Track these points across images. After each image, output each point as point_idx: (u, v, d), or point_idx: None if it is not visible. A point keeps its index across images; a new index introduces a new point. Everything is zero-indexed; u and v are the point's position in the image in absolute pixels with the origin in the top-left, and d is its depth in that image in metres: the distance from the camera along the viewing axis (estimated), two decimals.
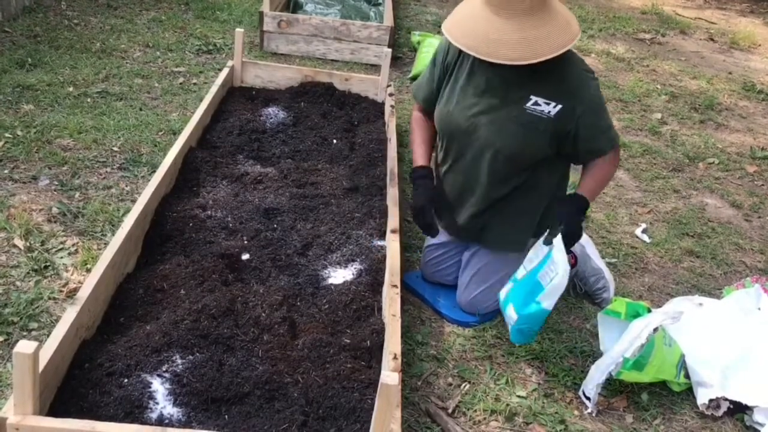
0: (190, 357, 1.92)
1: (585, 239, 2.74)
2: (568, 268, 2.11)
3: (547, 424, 2.11)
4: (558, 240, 2.16)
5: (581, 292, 2.71)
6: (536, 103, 2.21)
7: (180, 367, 1.88)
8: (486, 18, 2.09)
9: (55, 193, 2.88)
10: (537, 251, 2.25)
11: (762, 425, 2.15)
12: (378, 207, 2.76)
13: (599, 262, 2.69)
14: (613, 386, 2.30)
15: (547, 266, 2.16)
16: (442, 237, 2.56)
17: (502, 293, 2.31)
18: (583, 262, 2.68)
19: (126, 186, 3.00)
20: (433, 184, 2.49)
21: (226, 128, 3.25)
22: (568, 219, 2.23)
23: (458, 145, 2.39)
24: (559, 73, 2.20)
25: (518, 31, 2.06)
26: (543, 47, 2.05)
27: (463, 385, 2.21)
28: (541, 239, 2.25)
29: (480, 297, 2.45)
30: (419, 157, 2.51)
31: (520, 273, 2.28)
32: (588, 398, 2.18)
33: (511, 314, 2.23)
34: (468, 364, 2.30)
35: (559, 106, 2.20)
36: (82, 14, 4.97)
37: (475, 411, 2.12)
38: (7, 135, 3.21)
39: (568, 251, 2.17)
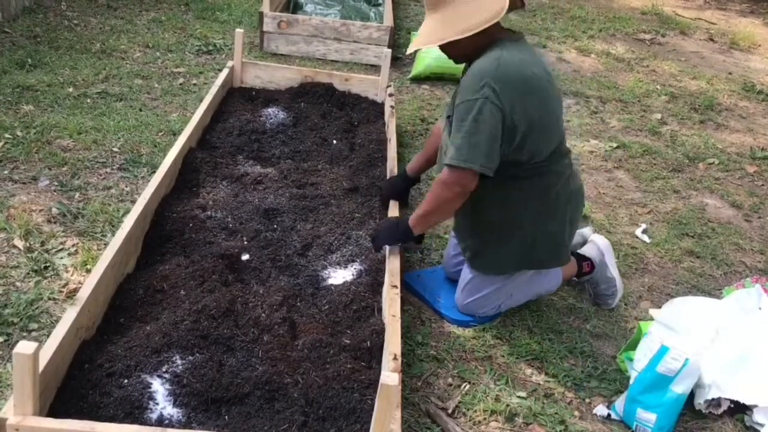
0: (190, 357, 1.92)
1: (605, 246, 2.69)
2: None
3: (547, 425, 2.11)
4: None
5: (590, 297, 2.70)
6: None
7: (180, 367, 1.88)
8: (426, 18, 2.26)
9: (55, 193, 2.88)
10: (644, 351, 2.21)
11: (762, 425, 2.15)
12: (378, 207, 2.76)
13: (614, 271, 2.66)
14: (613, 386, 2.30)
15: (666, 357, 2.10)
16: None
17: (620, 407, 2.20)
18: (601, 270, 2.64)
19: (126, 186, 3.00)
20: (399, 183, 2.76)
21: (226, 129, 3.25)
22: (379, 229, 2.43)
23: None
24: (470, 72, 2.17)
25: (427, 25, 2.20)
26: (431, 37, 2.17)
27: (463, 385, 2.21)
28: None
29: (474, 304, 2.45)
30: (409, 164, 2.76)
31: (633, 376, 2.21)
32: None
33: (646, 417, 2.12)
34: (468, 365, 2.30)
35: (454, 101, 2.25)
36: (82, 15, 4.98)
37: (475, 411, 2.12)
38: (7, 135, 3.21)
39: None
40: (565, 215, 2.36)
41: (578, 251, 2.70)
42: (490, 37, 2.16)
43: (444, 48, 2.25)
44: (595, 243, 2.72)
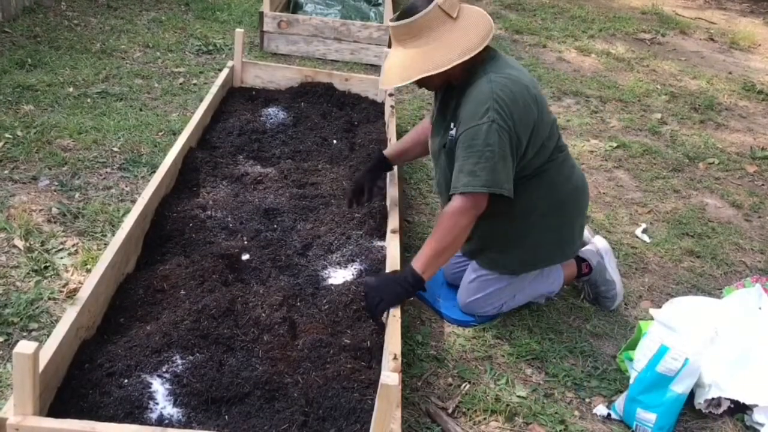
0: (190, 357, 1.92)
1: (605, 248, 2.70)
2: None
3: (547, 424, 2.11)
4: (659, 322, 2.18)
5: (589, 298, 2.70)
6: (452, 128, 2.21)
7: (180, 367, 1.88)
8: (393, 50, 2.20)
9: (55, 193, 2.88)
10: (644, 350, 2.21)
11: (762, 425, 2.15)
12: (378, 207, 2.76)
13: (614, 274, 2.65)
14: (613, 386, 2.30)
15: (666, 356, 2.10)
16: None
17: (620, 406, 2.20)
18: (599, 272, 2.64)
19: (126, 186, 3.00)
20: (379, 167, 2.69)
21: (226, 128, 3.25)
22: (375, 284, 2.13)
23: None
24: (467, 101, 2.14)
25: (402, 55, 2.13)
26: (405, 72, 2.11)
27: (463, 385, 2.21)
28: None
29: (477, 303, 2.45)
30: (388, 148, 2.72)
31: (633, 375, 2.20)
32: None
33: (646, 417, 2.12)
34: (468, 364, 2.30)
35: (456, 131, 2.19)
36: (82, 15, 4.97)
37: (475, 411, 2.12)
38: (7, 135, 3.21)
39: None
40: (572, 209, 2.40)
41: (578, 252, 2.70)
42: (473, 60, 2.13)
43: (425, 79, 2.14)
44: (594, 245, 2.73)
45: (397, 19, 2.14)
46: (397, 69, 2.14)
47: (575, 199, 2.41)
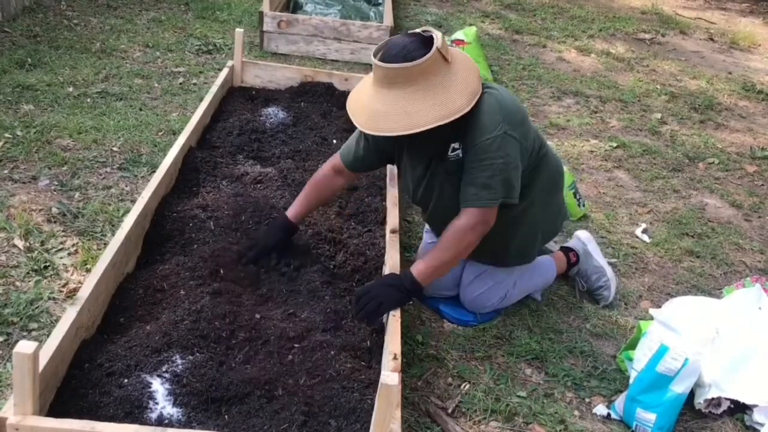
0: (190, 357, 1.92)
1: (587, 237, 2.77)
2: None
3: (547, 424, 2.11)
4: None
5: (583, 290, 2.71)
6: (453, 149, 2.16)
7: (180, 367, 1.88)
8: (375, 92, 2.06)
9: (55, 193, 2.88)
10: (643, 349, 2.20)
11: (762, 425, 2.15)
12: (378, 207, 2.76)
13: (601, 260, 2.70)
14: (613, 386, 2.30)
15: (666, 356, 2.10)
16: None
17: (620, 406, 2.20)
18: (585, 260, 2.69)
19: (126, 186, 3.00)
20: (279, 233, 2.39)
21: (226, 128, 3.25)
22: (372, 289, 2.09)
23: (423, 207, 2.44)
24: (471, 120, 2.09)
25: (401, 100, 2.00)
26: (419, 120, 1.98)
27: (463, 385, 2.21)
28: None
29: (483, 296, 2.45)
30: (290, 209, 2.42)
31: (633, 375, 2.20)
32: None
33: (646, 417, 2.12)
34: (468, 364, 2.30)
35: (462, 150, 2.14)
36: (82, 14, 4.97)
37: (475, 411, 2.12)
38: (7, 135, 3.21)
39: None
40: (560, 188, 2.50)
41: (562, 245, 2.81)
42: None
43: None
44: (576, 236, 2.82)
45: (384, 59, 2.02)
46: (397, 116, 2.00)
47: (560, 179, 2.48)
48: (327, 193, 2.48)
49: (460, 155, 2.14)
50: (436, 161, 2.22)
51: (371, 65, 2.08)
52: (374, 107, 2.05)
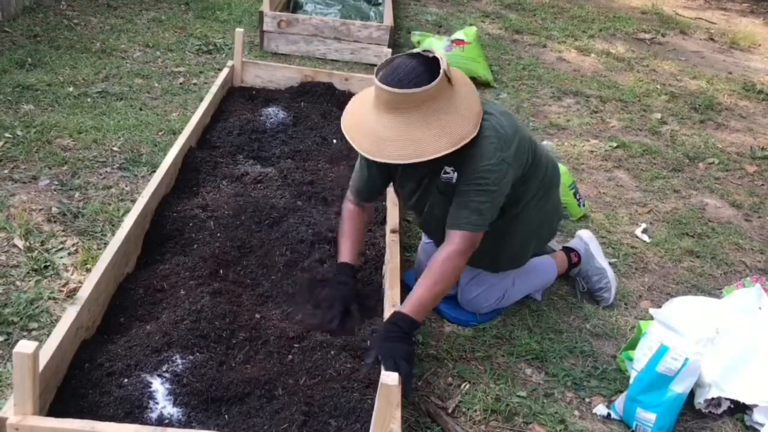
0: (190, 357, 1.92)
1: (589, 237, 2.77)
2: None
3: (547, 424, 2.11)
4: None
5: (583, 291, 2.71)
6: (446, 172, 2.12)
7: (180, 367, 1.88)
8: (377, 115, 2.00)
9: (55, 193, 2.88)
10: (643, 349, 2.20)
11: (762, 425, 2.15)
12: (378, 207, 2.76)
13: (602, 261, 2.70)
14: (613, 386, 2.30)
15: (666, 356, 2.09)
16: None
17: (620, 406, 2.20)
18: (587, 260, 2.69)
19: (126, 186, 3.00)
20: (350, 288, 2.23)
21: (226, 128, 3.25)
22: (381, 353, 1.94)
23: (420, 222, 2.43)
24: (470, 146, 2.03)
25: (406, 126, 1.95)
26: (428, 148, 1.94)
27: (463, 385, 2.21)
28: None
29: (481, 297, 2.45)
30: (343, 254, 2.29)
31: (633, 375, 2.20)
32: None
33: (646, 417, 2.11)
34: (468, 364, 2.30)
35: (457, 173, 2.11)
36: (82, 14, 4.97)
37: (475, 411, 2.12)
38: (7, 135, 3.21)
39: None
40: (556, 189, 2.46)
41: (564, 245, 2.79)
42: None
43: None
44: (578, 236, 2.80)
45: (391, 83, 1.96)
46: (404, 143, 1.95)
47: (556, 178, 2.43)
48: (362, 233, 2.40)
49: (453, 180, 2.10)
50: (428, 178, 2.17)
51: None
52: (378, 133, 1.99)
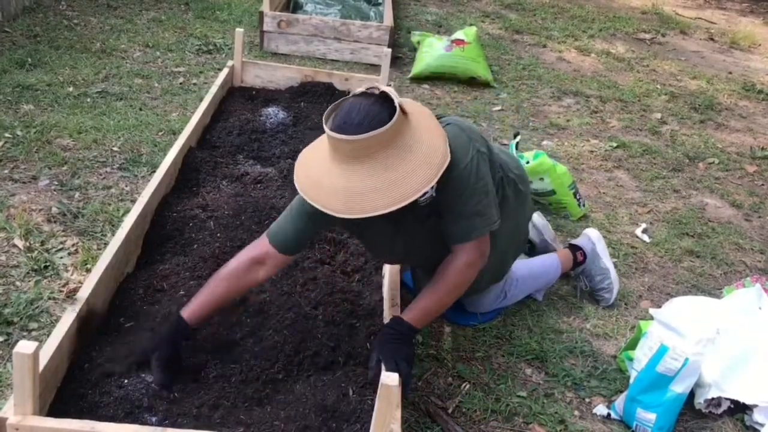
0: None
1: (597, 237, 2.74)
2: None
3: (547, 424, 2.11)
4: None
5: (585, 289, 2.71)
6: (423, 192, 1.78)
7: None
8: (340, 169, 1.76)
9: (55, 193, 2.88)
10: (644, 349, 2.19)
11: (762, 425, 2.15)
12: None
13: (607, 262, 2.69)
14: (613, 386, 2.30)
15: (666, 356, 2.09)
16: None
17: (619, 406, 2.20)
18: (592, 260, 2.67)
19: (126, 186, 3.00)
20: (170, 347, 1.88)
21: (226, 128, 3.25)
22: (382, 354, 1.88)
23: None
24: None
25: (381, 171, 1.73)
26: (416, 182, 1.73)
27: (463, 385, 2.21)
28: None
29: (482, 296, 2.45)
30: (188, 308, 1.93)
31: (633, 375, 2.19)
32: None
33: (646, 417, 2.11)
34: (468, 364, 2.30)
35: (435, 189, 1.89)
36: (82, 14, 4.97)
37: (475, 411, 2.12)
38: (7, 135, 3.21)
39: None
40: (527, 191, 2.38)
41: (571, 242, 2.78)
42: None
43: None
44: (586, 234, 2.77)
45: (348, 131, 1.71)
46: (383, 190, 1.72)
47: (524, 185, 2.33)
48: (240, 288, 2.02)
49: (434, 194, 1.89)
50: (401, 212, 1.78)
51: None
52: (350, 188, 1.73)
